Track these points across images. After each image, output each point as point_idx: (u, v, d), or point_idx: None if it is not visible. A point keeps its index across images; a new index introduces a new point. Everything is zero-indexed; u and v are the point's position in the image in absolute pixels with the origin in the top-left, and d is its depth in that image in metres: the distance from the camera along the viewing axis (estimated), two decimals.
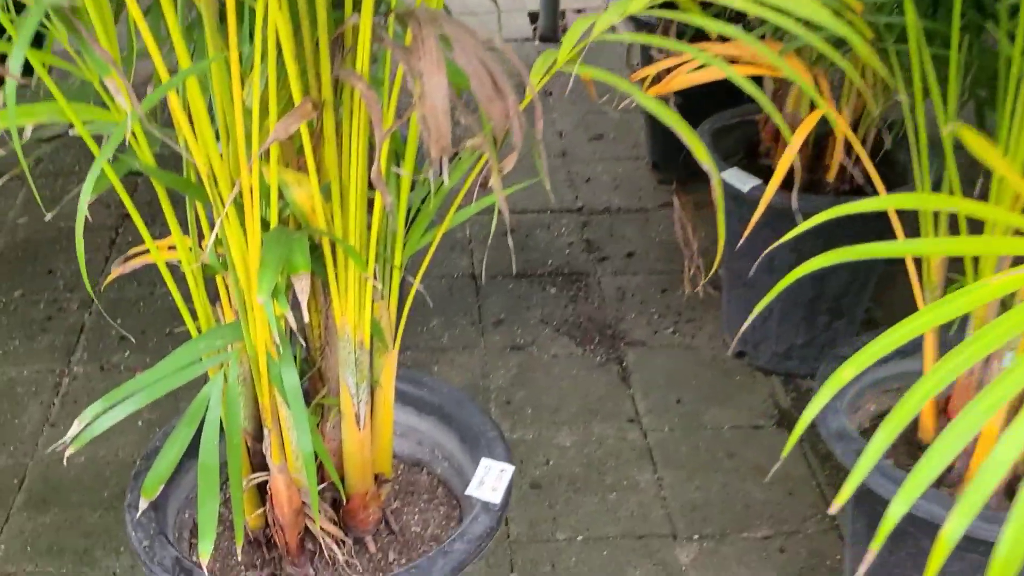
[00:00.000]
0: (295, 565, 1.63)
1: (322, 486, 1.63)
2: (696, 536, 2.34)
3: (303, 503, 1.58)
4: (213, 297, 1.52)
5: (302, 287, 1.29)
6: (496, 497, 1.64)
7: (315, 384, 1.69)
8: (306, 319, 1.55)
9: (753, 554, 2.29)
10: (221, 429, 1.41)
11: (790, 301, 2.64)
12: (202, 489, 1.39)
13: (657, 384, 2.76)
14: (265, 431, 1.50)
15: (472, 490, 1.65)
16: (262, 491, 1.61)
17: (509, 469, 1.69)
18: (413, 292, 1.57)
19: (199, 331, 1.49)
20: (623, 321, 2.98)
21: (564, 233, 3.34)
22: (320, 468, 1.65)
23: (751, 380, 2.78)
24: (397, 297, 1.58)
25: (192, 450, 1.64)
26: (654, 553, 2.29)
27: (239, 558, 1.47)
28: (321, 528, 1.60)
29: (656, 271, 3.19)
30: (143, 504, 1.43)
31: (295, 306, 1.36)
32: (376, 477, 1.68)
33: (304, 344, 1.65)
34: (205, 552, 1.39)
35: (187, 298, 1.50)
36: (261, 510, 1.63)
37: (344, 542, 1.63)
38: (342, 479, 1.63)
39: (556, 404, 2.68)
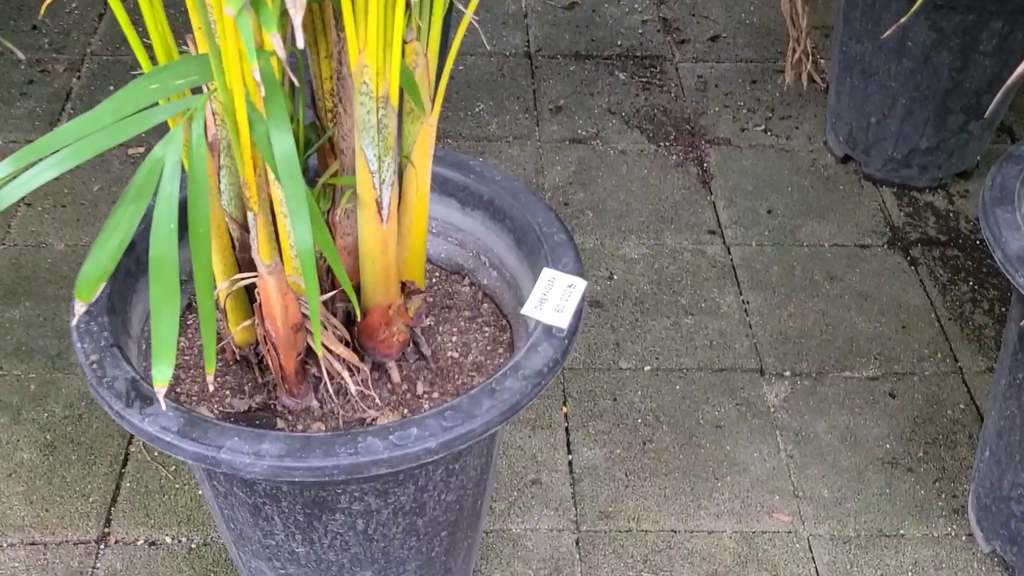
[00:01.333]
0: (293, 395, 1.24)
1: (330, 295, 1.23)
2: (788, 373, 1.93)
3: (303, 316, 1.18)
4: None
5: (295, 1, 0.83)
6: (562, 320, 1.23)
7: (325, 159, 1.26)
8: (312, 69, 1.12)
9: (857, 397, 1.89)
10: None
11: (920, 94, 2.15)
12: (155, 293, 0.98)
13: (744, 191, 2.31)
14: (250, 216, 1.08)
15: (530, 309, 1.24)
16: (253, 297, 1.21)
17: (580, 284, 1.27)
18: (462, 31, 1.11)
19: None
20: (704, 115, 2.50)
21: (637, 9, 2.82)
22: (328, 273, 1.25)
23: (858, 190, 2.32)
24: (440, 38, 1.12)
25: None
26: (737, 391, 1.90)
27: (210, 388, 1.09)
28: (326, 349, 1.20)
29: (745, 59, 2.69)
30: (79, 308, 1.02)
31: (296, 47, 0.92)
32: (403, 286, 1.26)
33: (311, 101, 1.21)
34: (160, 378, 0.99)
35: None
36: (250, 321, 1.24)
37: (358, 368, 1.23)
38: (357, 288, 1.22)
39: (623, 209, 2.25)
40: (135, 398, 1.13)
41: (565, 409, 1.86)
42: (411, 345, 1.32)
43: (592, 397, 1.88)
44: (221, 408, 1.28)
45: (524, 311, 1.24)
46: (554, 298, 1.25)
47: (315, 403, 1.26)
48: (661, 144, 2.42)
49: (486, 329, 1.39)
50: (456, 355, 1.36)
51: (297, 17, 0.83)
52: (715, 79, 2.61)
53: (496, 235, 1.41)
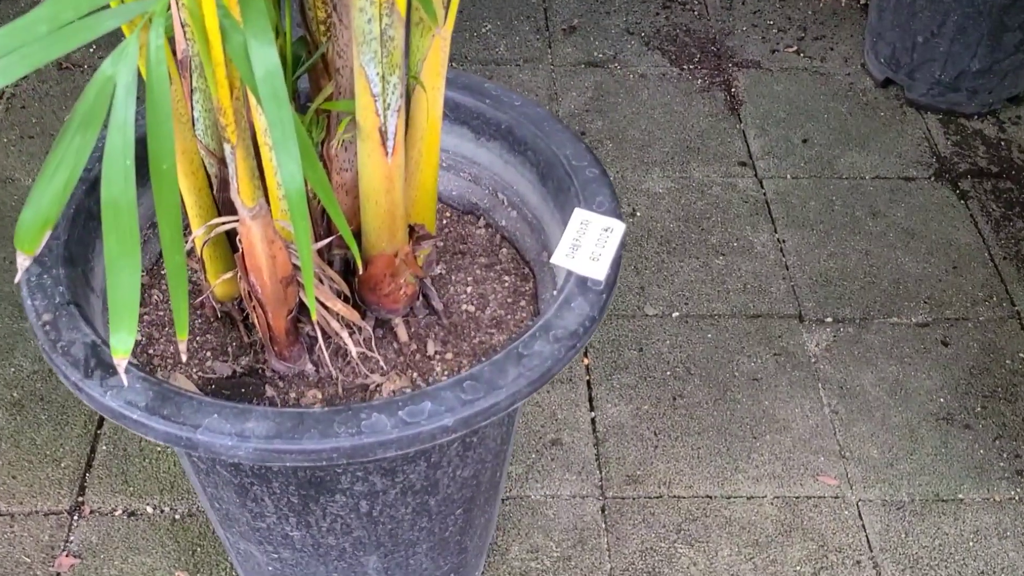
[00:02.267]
0: (284, 359, 1.06)
1: (325, 242, 1.04)
2: (830, 319, 1.76)
3: (294, 267, 1.00)
4: None
5: None
6: (599, 270, 1.04)
7: (318, 80, 1.06)
8: None
9: (906, 346, 1.72)
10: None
11: (974, 8, 1.94)
12: (110, 246, 0.79)
13: (776, 118, 2.11)
14: (227, 149, 0.89)
15: (561, 258, 1.06)
16: (236, 245, 1.02)
17: (618, 228, 1.09)
18: None
19: None
20: (731, 35, 2.29)
21: None
22: (323, 216, 1.06)
23: (901, 117, 2.13)
24: None
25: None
26: (774, 338, 1.72)
27: (183, 358, 0.91)
28: (322, 306, 1.02)
29: None
30: (22, 262, 0.84)
31: None
32: (411, 230, 1.08)
33: (299, 10, 1.01)
34: (120, 348, 0.82)
35: None
36: (232, 274, 1.05)
37: (359, 327, 1.05)
38: (357, 233, 1.04)
39: (645, 139, 2.05)
40: (95, 366, 0.95)
41: (586, 361, 1.68)
42: (420, 298, 1.14)
43: (616, 347, 1.70)
44: (201, 373, 1.10)
45: (555, 260, 1.05)
46: (588, 244, 1.07)
47: (310, 367, 1.08)
48: (685, 67, 2.21)
49: (505, 278, 1.21)
50: (472, 308, 1.18)
51: None
52: None
53: (516, 169, 1.23)
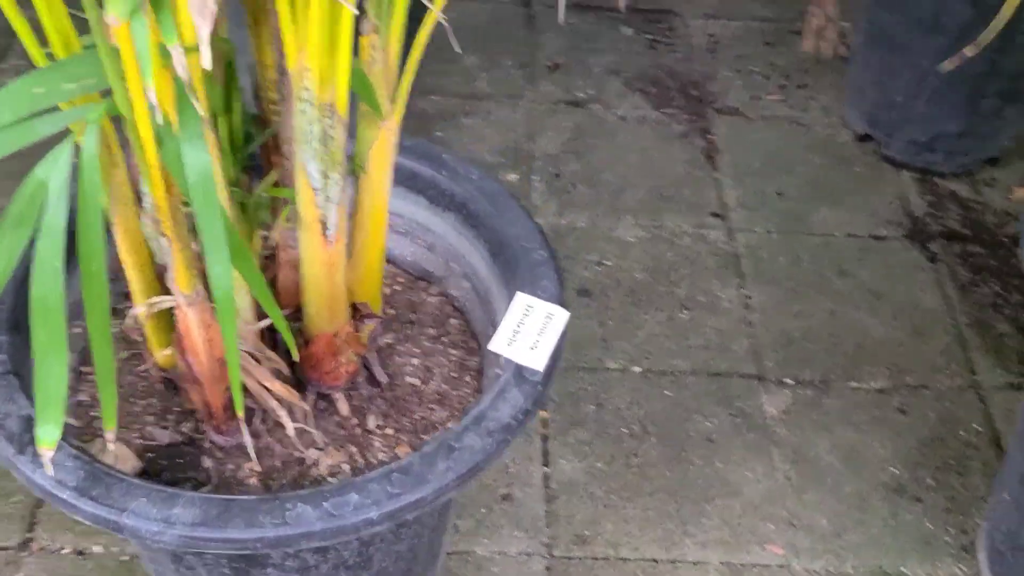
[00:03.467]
0: (221, 432, 1.07)
1: (266, 323, 1.05)
2: (790, 381, 1.77)
3: None
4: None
5: None
6: (537, 360, 1.05)
7: (269, 156, 1.07)
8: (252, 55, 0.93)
9: (864, 412, 1.73)
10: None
11: (952, 73, 1.94)
12: (39, 340, 0.80)
13: (752, 168, 2.12)
14: (163, 243, 0.90)
15: (500, 344, 1.06)
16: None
17: (561, 316, 1.09)
18: (430, 24, 0.91)
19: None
20: (714, 80, 2.30)
21: None
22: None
23: (876, 173, 2.13)
24: (403, 27, 0.93)
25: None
26: (733, 399, 1.73)
27: (110, 447, 0.92)
28: (259, 384, 1.03)
29: (761, 17, 2.47)
30: None
31: None
32: (355, 309, 1.09)
33: (253, 88, 1.02)
34: (46, 439, 0.83)
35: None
36: (171, 350, 1.06)
37: (297, 408, 1.06)
38: (294, 313, 1.05)
39: (619, 183, 2.06)
40: (28, 442, 0.95)
41: (545, 414, 1.69)
42: (363, 371, 1.14)
43: (574, 401, 1.71)
44: (142, 439, 1.11)
45: (492, 346, 1.06)
46: (529, 331, 1.08)
47: (247, 439, 1.09)
48: (665, 111, 2.22)
49: (452, 352, 1.22)
50: (416, 382, 1.19)
51: (204, 29, 0.64)
52: (728, 39, 2.41)
53: (469, 242, 1.24)
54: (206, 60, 0.64)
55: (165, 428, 1.11)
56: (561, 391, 1.72)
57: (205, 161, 0.78)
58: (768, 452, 1.67)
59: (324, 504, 0.93)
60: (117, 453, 1.07)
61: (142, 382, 1.15)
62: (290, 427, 1.05)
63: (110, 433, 0.87)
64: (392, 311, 1.25)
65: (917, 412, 1.74)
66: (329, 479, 1.10)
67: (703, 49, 2.37)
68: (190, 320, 0.95)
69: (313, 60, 0.84)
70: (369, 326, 1.12)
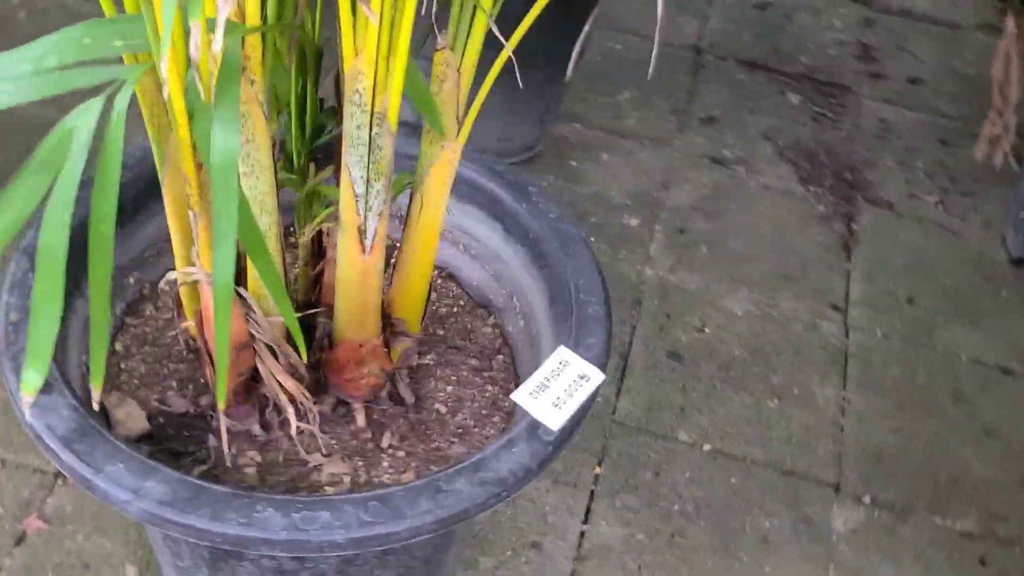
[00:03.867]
0: (230, 416, 1.06)
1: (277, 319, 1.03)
2: (868, 499, 1.65)
3: (251, 336, 0.99)
4: None
5: None
6: (556, 419, 0.99)
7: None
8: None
9: (940, 551, 1.60)
10: None
11: None
12: (39, 287, 0.80)
13: (888, 267, 1.99)
14: (191, 216, 0.88)
15: (523, 395, 1.01)
16: None
17: (596, 378, 1.03)
18: (502, 59, 0.87)
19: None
20: (873, 168, 2.18)
21: (836, 27, 2.48)
22: (308, 288, 1.05)
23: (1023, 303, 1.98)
24: (479, 49, 0.89)
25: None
26: (801, 502, 1.62)
27: (95, 406, 0.92)
28: (273, 378, 1.00)
29: (941, 112, 2.33)
30: None
31: None
32: (390, 324, 1.06)
33: (336, 80, 1.00)
34: (28, 384, 0.83)
35: None
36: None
37: (307, 410, 1.04)
38: (320, 310, 1.02)
39: (744, 252, 1.97)
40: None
41: (598, 470, 1.63)
42: (389, 388, 1.11)
43: (633, 463, 1.64)
44: (160, 401, 1.11)
45: (515, 396, 1.01)
46: (558, 387, 1.02)
47: (258, 428, 1.07)
48: (812, 188, 2.11)
49: (488, 388, 1.17)
50: (443, 410, 1.15)
51: (224, 11, 0.62)
52: (900, 128, 2.28)
53: (533, 281, 1.19)
54: (218, 43, 0.62)
55: (184, 397, 1.10)
56: (623, 451, 1.65)
57: (233, 145, 0.76)
58: (825, 568, 1.55)
59: (294, 515, 0.90)
60: (128, 411, 1.07)
61: (177, 346, 1.15)
62: (294, 426, 1.02)
63: (96, 392, 0.86)
64: (441, 332, 1.22)
65: (999, 567, 1.59)
66: (326, 487, 1.07)
67: (870, 134, 2.25)
68: (209, 299, 0.94)
69: (368, 65, 0.81)
70: (404, 343, 1.09)
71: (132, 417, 1.06)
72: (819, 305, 1.90)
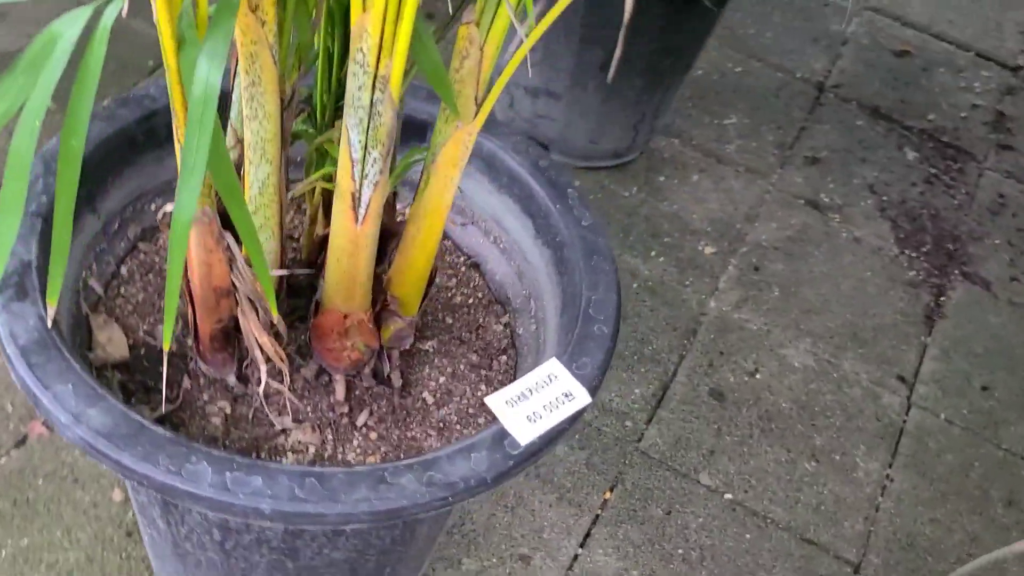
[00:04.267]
0: (206, 362, 1.03)
1: (281, 272, 0.99)
2: None
3: (233, 284, 0.95)
4: None
5: None
6: (525, 433, 0.94)
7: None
8: None
9: None
10: None
11: None
12: (6, 192, 0.78)
13: (969, 350, 1.86)
14: (177, 149, 0.85)
15: (498, 400, 0.96)
16: None
17: (581, 399, 0.97)
18: (526, 48, 0.81)
19: None
20: (978, 242, 2.04)
21: (975, 89, 2.34)
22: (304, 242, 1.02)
23: None
24: (506, 31, 0.84)
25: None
26: (812, 574, 1.53)
27: (48, 323, 0.89)
28: (251, 332, 0.97)
29: None
30: None
31: None
32: (381, 301, 1.01)
33: None
34: None
35: None
36: None
37: (281, 371, 1.00)
38: (314, 269, 0.98)
39: (817, 303, 1.87)
40: (14, 284, 0.95)
41: (608, 495, 1.56)
42: (376, 365, 1.07)
43: (646, 497, 1.56)
44: (147, 332, 1.09)
45: (490, 400, 0.96)
46: (538, 400, 0.97)
47: (233, 379, 1.04)
48: (907, 251, 1.99)
49: (482, 388, 1.12)
50: (430, 400, 1.10)
51: None
52: (1018, 206, 2.13)
53: (552, 286, 1.13)
54: None
55: (173, 333, 1.08)
56: (638, 481, 1.58)
57: (215, 81, 0.73)
58: None
59: (227, 473, 0.86)
60: (111, 336, 1.06)
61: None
62: (263, 382, 0.99)
63: (50, 308, 0.84)
64: (450, 321, 1.17)
65: None
66: (289, 453, 1.03)
67: (984, 206, 2.11)
68: (191, 239, 0.91)
69: (374, 24, 0.76)
70: (397, 323, 1.04)
71: (113, 343, 1.05)
72: (884, 374, 1.79)
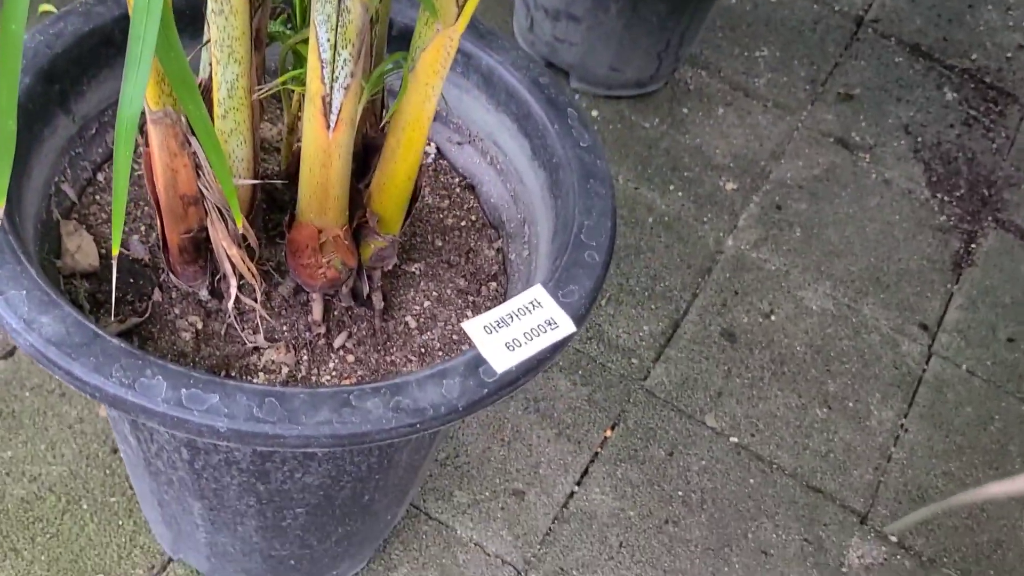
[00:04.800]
0: (175, 274, 0.98)
1: (252, 182, 0.94)
2: (894, 538, 1.49)
3: (201, 192, 0.90)
4: None
5: None
6: (502, 361, 0.89)
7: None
8: None
9: None
10: None
11: None
12: None
13: (996, 300, 1.79)
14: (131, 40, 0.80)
15: (475, 325, 0.90)
16: None
17: (565, 328, 0.92)
18: None
19: None
20: (1016, 188, 1.95)
21: (1023, 27, 2.23)
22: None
23: None
24: None
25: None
26: (818, 524, 1.48)
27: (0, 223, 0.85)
28: (218, 240, 0.93)
29: None
30: None
31: None
32: (359, 216, 0.96)
33: None
34: None
35: None
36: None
37: (252, 286, 0.95)
38: (292, 182, 0.93)
39: (840, 246, 1.80)
40: None
41: (609, 433, 1.51)
42: (355, 284, 1.02)
43: (648, 436, 1.52)
44: (125, 235, 1.04)
45: (467, 324, 0.90)
46: (519, 327, 0.91)
47: (205, 293, 1.00)
48: (939, 195, 1.91)
49: (468, 314, 1.07)
50: (412, 325, 1.05)
51: None
52: None
53: (546, 210, 1.07)
54: None
55: (144, 244, 1.04)
56: (640, 420, 1.53)
57: None
58: None
59: (182, 391, 0.82)
60: (81, 244, 1.01)
61: None
62: (232, 297, 0.94)
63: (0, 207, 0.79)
64: (440, 244, 1.12)
65: None
66: (260, 373, 0.99)
67: None
68: (153, 142, 0.86)
69: None
70: (378, 242, 0.99)
71: (83, 251, 1.00)
72: (905, 321, 1.72)
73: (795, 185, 1.86)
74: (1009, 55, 2.17)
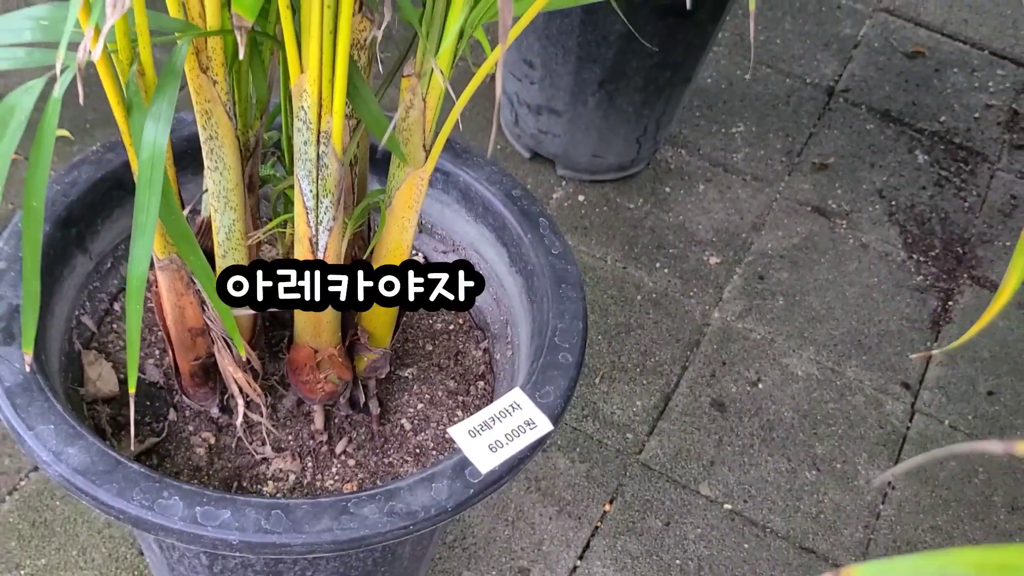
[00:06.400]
0: (188, 396, 1.08)
1: (249, 313, 1.04)
2: None
3: (207, 324, 1.00)
4: None
5: None
6: (487, 462, 0.97)
7: None
8: None
9: None
10: None
11: None
12: None
13: (976, 355, 1.86)
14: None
15: (461, 430, 0.99)
16: None
17: (542, 428, 1.01)
18: (477, 81, 0.84)
19: None
20: (988, 245, 2.04)
21: (988, 88, 2.33)
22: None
23: None
24: (447, 75, 0.87)
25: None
26: None
27: (27, 368, 0.95)
28: (224, 366, 1.02)
29: None
30: None
31: None
32: (351, 335, 1.06)
33: None
34: None
35: None
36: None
37: (257, 404, 1.05)
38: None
39: (822, 312, 1.88)
40: (1, 329, 1.00)
41: (608, 507, 1.59)
42: (353, 394, 1.11)
43: (645, 508, 1.59)
44: (140, 360, 1.14)
45: (453, 430, 1.00)
46: (501, 429, 1.00)
47: (216, 411, 1.10)
48: (915, 256, 1.99)
49: (459, 414, 1.16)
50: (408, 427, 1.14)
51: (111, 19, 0.63)
52: None
53: (525, 313, 1.17)
54: (98, 51, 0.63)
55: (158, 367, 1.14)
56: (637, 493, 1.61)
57: (162, 143, 0.78)
58: None
59: (197, 508, 0.91)
60: (101, 372, 1.11)
61: None
62: (240, 415, 1.04)
63: (27, 356, 0.89)
64: (430, 348, 1.21)
65: None
66: (269, 482, 1.08)
67: (996, 208, 2.10)
68: (162, 284, 0.96)
69: (312, 84, 0.80)
70: (371, 355, 1.08)
71: (103, 379, 1.10)
72: (888, 381, 1.80)
73: (776, 255, 1.96)
74: (977, 115, 2.26)
